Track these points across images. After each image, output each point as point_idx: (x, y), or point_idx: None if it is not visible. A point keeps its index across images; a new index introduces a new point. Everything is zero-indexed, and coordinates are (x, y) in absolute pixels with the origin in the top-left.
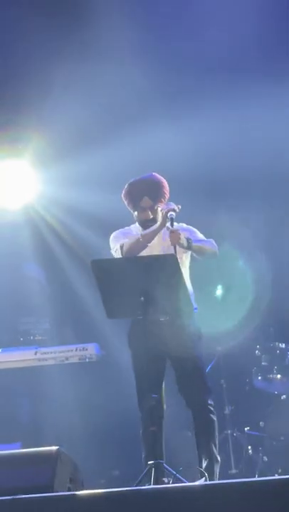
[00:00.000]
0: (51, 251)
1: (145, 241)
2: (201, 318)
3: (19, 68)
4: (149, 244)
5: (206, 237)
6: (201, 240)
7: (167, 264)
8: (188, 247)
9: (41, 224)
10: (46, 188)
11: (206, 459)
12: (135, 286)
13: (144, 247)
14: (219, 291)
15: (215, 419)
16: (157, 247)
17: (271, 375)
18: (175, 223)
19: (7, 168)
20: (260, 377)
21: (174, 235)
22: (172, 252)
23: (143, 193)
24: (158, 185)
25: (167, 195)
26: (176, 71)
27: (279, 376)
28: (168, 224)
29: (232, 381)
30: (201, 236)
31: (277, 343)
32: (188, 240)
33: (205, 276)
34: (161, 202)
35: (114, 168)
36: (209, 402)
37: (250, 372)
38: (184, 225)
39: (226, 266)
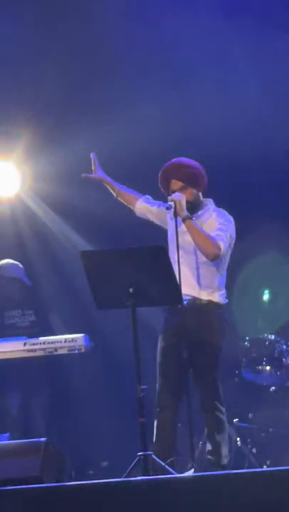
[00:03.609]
0: (35, 243)
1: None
2: (246, 323)
3: None
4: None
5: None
6: (204, 231)
7: (156, 255)
8: (184, 218)
9: (24, 216)
10: (29, 180)
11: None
12: (124, 277)
13: None
14: (266, 296)
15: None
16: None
17: (260, 367)
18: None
19: None
20: (249, 369)
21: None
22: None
23: (170, 177)
24: (182, 166)
25: (195, 176)
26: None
27: (268, 368)
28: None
29: (221, 372)
30: (216, 228)
31: (266, 335)
32: (188, 215)
33: (251, 281)
34: (190, 182)
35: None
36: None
37: (239, 363)
38: (218, 212)
39: (273, 271)
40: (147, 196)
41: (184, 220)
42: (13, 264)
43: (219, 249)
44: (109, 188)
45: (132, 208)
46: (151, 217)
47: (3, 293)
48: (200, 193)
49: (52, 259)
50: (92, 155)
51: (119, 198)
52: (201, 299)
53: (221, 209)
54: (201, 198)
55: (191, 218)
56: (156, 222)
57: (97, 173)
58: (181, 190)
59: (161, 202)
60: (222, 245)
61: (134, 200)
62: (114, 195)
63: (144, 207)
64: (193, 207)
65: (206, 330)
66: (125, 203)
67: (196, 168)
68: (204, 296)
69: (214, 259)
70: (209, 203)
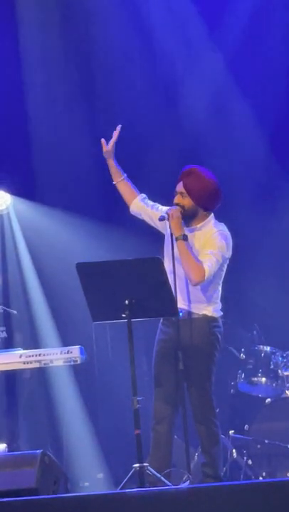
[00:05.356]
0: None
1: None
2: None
3: None
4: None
5: None
6: (194, 255)
7: (152, 266)
8: (177, 238)
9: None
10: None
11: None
12: (120, 289)
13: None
14: None
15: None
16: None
17: (256, 379)
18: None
19: None
20: (244, 381)
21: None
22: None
23: (181, 179)
24: (193, 175)
25: (197, 190)
26: None
27: (264, 379)
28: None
29: (217, 384)
30: (209, 250)
31: (262, 347)
32: (184, 235)
33: None
34: (190, 190)
35: None
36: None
37: (235, 375)
38: (217, 230)
39: None
40: (144, 195)
41: (176, 239)
42: None
43: (202, 277)
44: (111, 171)
45: (127, 203)
46: (146, 218)
47: None
48: (200, 208)
49: (45, 270)
50: (118, 127)
51: (118, 188)
52: (193, 313)
53: (221, 224)
54: (202, 212)
55: (183, 239)
56: (151, 223)
57: (111, 149)
58: (182, 195)
59: (157, 205)
60: (207, 273)
61: (133, 197)
62: (114, 182)
63: (140, 206)
64: (186, 217)
65: (199, 342)
66: (122, 196)
67: (205, 185)
68: (196, 309)
69: (195, 285)
70: (210, 217)
